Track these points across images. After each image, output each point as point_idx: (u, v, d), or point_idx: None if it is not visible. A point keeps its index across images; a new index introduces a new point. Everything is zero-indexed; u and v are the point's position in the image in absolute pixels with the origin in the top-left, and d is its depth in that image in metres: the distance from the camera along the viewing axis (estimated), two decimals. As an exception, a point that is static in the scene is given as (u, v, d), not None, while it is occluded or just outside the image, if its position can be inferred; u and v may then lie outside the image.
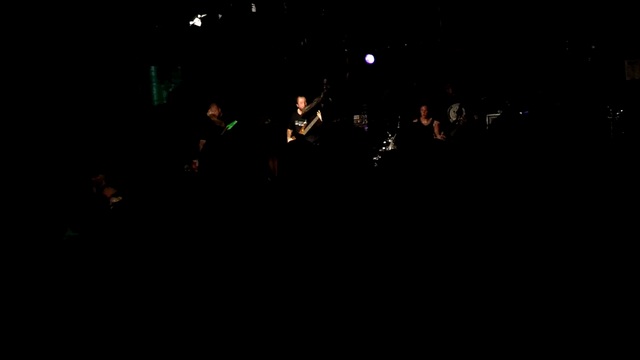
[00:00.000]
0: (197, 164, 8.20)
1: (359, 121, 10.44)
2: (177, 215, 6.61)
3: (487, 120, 9.40)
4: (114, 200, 6.65)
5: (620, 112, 8.94)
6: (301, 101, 9.18)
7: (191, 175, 8.25)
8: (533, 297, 3.80)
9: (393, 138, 9.52)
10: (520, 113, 9.49)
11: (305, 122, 9.18)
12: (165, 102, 10.28)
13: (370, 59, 10.81)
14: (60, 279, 4.67)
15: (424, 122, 9.30)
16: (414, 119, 9.51)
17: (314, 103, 9.09)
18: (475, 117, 9.25)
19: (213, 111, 8.53)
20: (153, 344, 3.56)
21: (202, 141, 8.50)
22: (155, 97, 10.23)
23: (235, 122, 8.42)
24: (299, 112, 9.22)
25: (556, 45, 9.99)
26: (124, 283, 4.69)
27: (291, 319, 3.79)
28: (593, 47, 9.70)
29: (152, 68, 10.20)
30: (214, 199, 7.24)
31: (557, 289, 3.82)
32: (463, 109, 9.11)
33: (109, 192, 6.57)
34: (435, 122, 9.18)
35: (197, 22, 9.67)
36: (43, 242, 5.33)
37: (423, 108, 9.32)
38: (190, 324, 3.86)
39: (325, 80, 9.29)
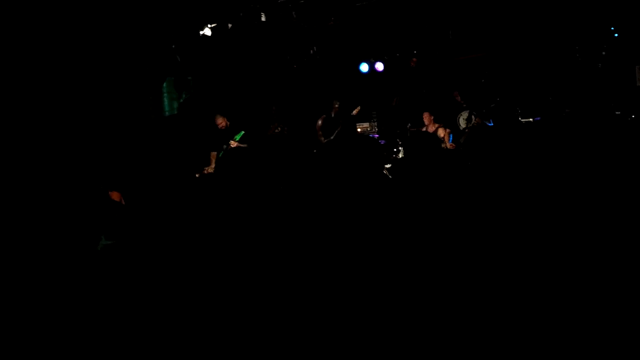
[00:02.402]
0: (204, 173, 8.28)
1: (368, 129, 10.45)
2: (189, 222, 6.70)
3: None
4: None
5: (631, 117, 8.89)
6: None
7: (202, 184, 8.32)
8: (538, 297, 3.79)
9: (403, 146, 9.50)
10: (532, 119, 9.46)
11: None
12: (176, 112, 10.35)
13: (379, 66, 10.83)
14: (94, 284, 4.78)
15: (430, 128, 9.21)
16: (421, 127, 9.46)
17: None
18: (485, 124, 9.23)
19: (219, 122, 8.58)
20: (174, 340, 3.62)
21: (213, 153, 8.53)
22: (166, 108, 10.29)
23: (243, 132, 8.44)
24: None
25: (566, 51, 9.95)
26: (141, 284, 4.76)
27: (306, 317, 3.82)
28: (603, 52, 9.66)
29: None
30: (227, 206, 7.31)
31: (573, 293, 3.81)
32: (472, 116, 9.08)
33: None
34: (447, 130, 9.13)
35: (207, 32, 9.73)
36: (78, 250, 5.47)
37: (426, 114, 9.07)
38: (205, 321, 3.91)
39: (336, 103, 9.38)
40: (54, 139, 7.82)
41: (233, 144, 8.40)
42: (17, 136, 7.49)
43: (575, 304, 3.71)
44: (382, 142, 9.98)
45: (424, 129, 9.33)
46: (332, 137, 9.29)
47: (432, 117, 9.05)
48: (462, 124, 9.41)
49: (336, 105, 9.39)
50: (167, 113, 10.27)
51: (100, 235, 5.71)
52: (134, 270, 5.16)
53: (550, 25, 9.69)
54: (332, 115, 9.37)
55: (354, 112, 9.73)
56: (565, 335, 3.26)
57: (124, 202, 6.42)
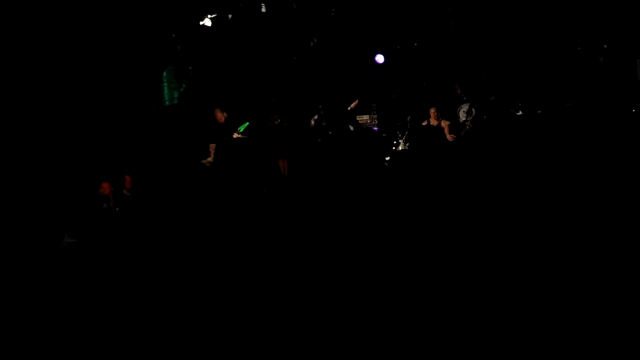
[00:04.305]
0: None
1: (368, 121, 10.43)
2: (190, 214, 6.65)
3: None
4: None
5: (632, 111, 8.89)
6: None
7: (204, 174, 8.32)
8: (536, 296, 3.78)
9: (403, 138, 9.50)
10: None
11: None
12: (176, 102, 10.32)
13: (380, 58, 10.79)
14: (60, 283, 4.71)
15: (434, 122, 9.26)
16: (424, 120, 9.46)
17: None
18: (484, 117, 9.22)
19: (219, 117, 8.55)
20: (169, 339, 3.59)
21: (212, 145, 8.51)
22: (166, 98, 10.26)
23: (247, 123, 8.42)
24: None
25: (568, 45, 9.94)
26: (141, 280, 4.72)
27: (301, 315, 3.80)
28: (605, 46, 9.65)
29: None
30: (228, 197, 7.27)
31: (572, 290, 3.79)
32: (473, 109, 9.08)
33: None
34: (446, 123, 9.15)
35: (207, 22, 9.70)
36: (41, 248, 5.36)
37: (432, 110, 9.23)
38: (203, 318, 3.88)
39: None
40: (41, 132, 7.73)
41: (236, 135, 8.39)
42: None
43: (574, 296, 3.70)
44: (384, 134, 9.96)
45: (425, 123, 9.33)
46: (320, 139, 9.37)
47: (438, 113, 9.17)
48: (462, 116, 9.40)
49: (321, 113, 9.50)
50: (167, 103, 10.24)
51: (63, 233, 5.62)
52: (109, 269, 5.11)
53: (551, 19, 9.67)
54: (317, 119, 9.45)
55: (352, 105, 9.73)
56: (565, 332, 3.26)
57: (111, 194, 6.34)
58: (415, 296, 4.04)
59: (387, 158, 9.26)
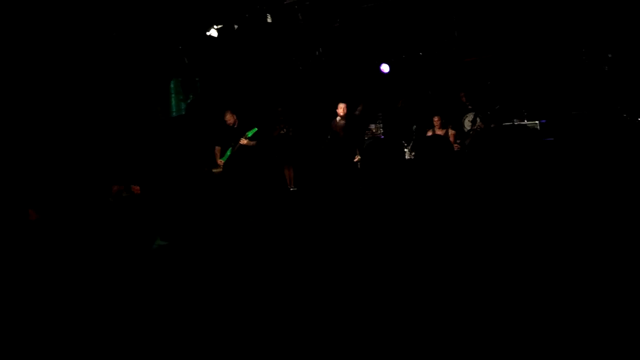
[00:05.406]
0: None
1: (374, 130, 10.47)
2: (197, 223, 6.66)
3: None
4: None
5: (638, 120, 8.89)
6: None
7: (209, 182, 8.35)
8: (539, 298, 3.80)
9: (409, 147, 9.52)
10: (537, 122, 9.47)
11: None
12: (183, 113, 10.40)
13: (385, 68, 10.84)
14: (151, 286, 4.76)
15: (439, 132, 9.28)
16: (429, 129, 9.48)
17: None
18: (492, 126, 9.24)
19: (228, 119, 8.61)
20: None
21: (218, 148, 8.57)
22: (173, 109, 10.34)
23: (256, 129, 8.47)
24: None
25: (573, 54, 9.95)
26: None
27: (307, 318, 3.83)
28: (610, 55, 9.66)
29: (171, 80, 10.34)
30: (235, 206, 7.28)
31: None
32: (477, 119, 9.10)
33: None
34: (452, 132, 9.17)
35: (213, 33, 9.78)
36: (132, 250, 5.43)
37: (436, 118, 9.25)
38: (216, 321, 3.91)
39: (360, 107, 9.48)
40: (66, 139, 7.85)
41: (243, 141, 8.42)
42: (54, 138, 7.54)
43: (577, 306, 3.72)
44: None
45: (430, 133, 9.35)
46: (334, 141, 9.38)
47: (442, 121, 9.19)
48: (467, 125, 9.43)
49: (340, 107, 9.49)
50: (174, 114, 10.32)
51: (155, 236, 5.70)
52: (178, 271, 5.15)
53: (556, 28, 9.70)
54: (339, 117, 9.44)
55: (357, 111, 9.78)
56: (565, 335, 3.27)
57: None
58: (417, 302, 4.06)
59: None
